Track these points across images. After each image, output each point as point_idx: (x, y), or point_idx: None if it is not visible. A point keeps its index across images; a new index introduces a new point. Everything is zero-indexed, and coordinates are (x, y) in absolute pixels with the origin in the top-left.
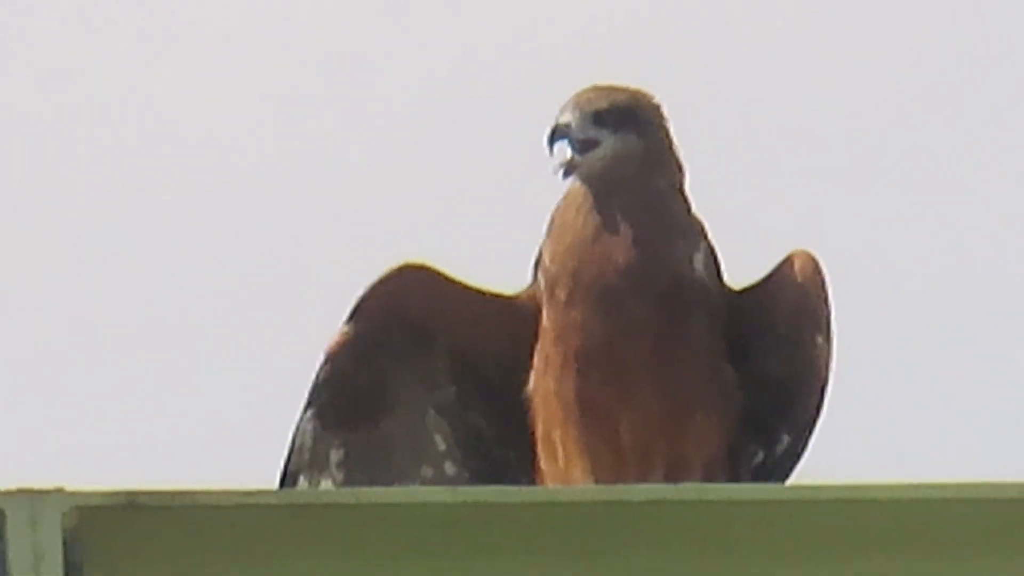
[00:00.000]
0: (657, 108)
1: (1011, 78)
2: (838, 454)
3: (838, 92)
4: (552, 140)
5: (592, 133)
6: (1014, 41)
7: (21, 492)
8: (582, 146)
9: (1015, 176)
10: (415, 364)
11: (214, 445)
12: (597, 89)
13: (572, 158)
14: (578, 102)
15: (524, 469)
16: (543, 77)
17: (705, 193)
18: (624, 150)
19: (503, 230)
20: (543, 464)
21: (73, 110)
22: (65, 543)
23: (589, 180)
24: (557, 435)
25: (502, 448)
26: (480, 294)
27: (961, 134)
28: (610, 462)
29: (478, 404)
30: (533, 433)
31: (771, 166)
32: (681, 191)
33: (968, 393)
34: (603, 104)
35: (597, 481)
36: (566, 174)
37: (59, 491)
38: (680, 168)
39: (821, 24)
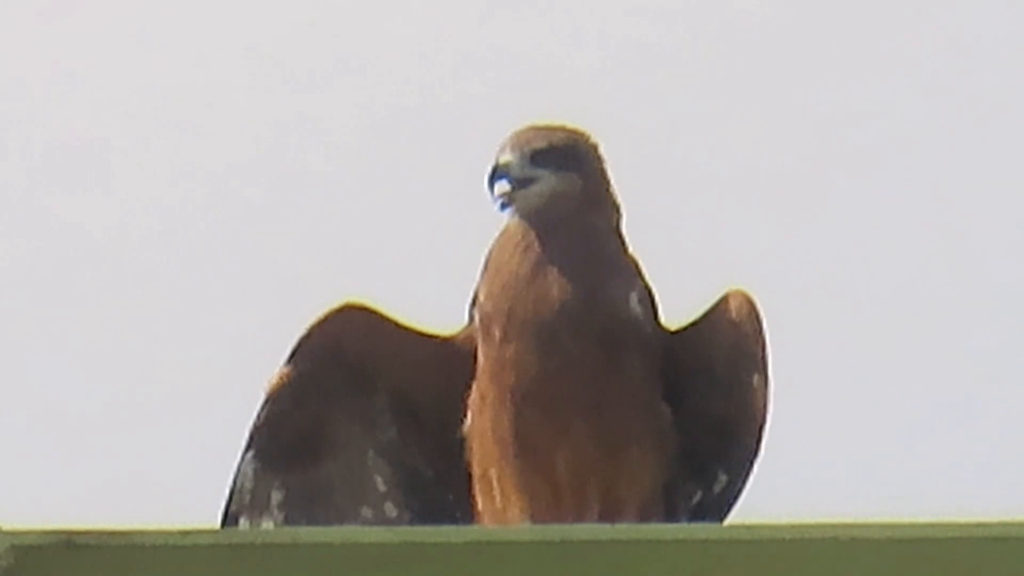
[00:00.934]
0: (594, 148)
1: (940, 108)
2: (776, 493)
3: (769, 128)
4: (492, 180)
5: (531, 172)
6: (948, 75)
7: None
8: (521, 184)
9: (951, 208)
10: (355, 405)
11: (154, 486)
12: (535, 129)
13: (511, 191)
14: (517, 141)
15: (464, 509)
16: (481, 115)
17: (641, 232)
18: (562, 188)
19: (442, 269)
20: (480, 503)
21: None
22: None
23: (526, 217)
24: (493, 473)
25: (442, 489)
26: (419, 335)
27: (897, 166)
28: (546, 500)
29: (418, 445)
30: (471, 473)
31: (706, 204)
32: (617, 231)
33: (907, 431)
34: (542, 144)
35: (534, 519)
36: (503, 206)
37: None
38: (617, 208)
39: (752, 60)
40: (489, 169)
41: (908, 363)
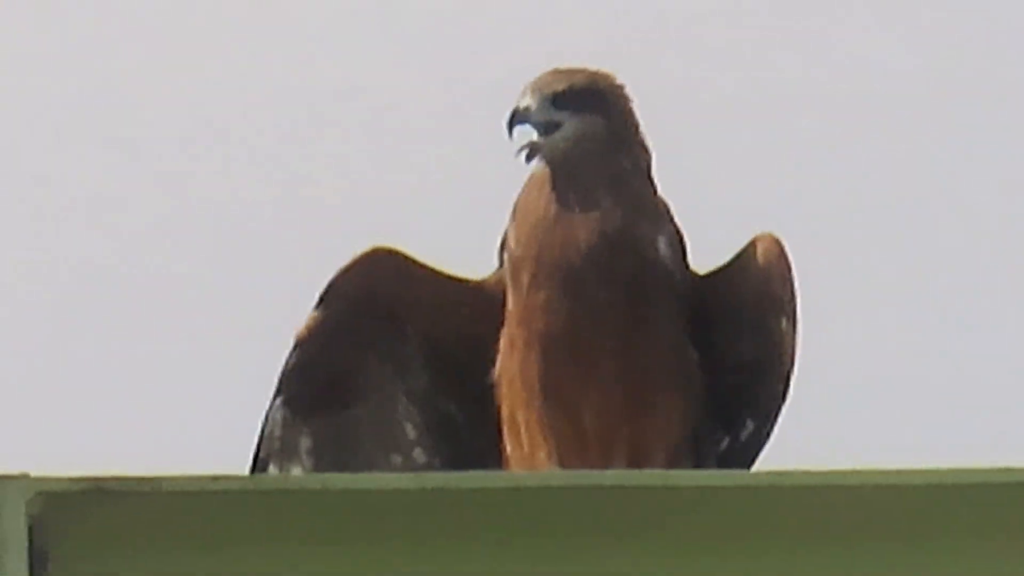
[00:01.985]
0: (619, 88)
1: (974, 75)
2: (804, 440)
3: (804, 76)
4: (512, 124)
5: (553, 115)
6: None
7: None
8: (544, 129)
9: (982, 167)
10: (385, 351)
11: (184, 432)
12: (556, 72)
13: (535, 140)
14: (537, 85)
15: (494, 455)
16: (509, 64)
17: (672, 176)
18: (587, 131)
19: (471, 214)
20: (508, 448)
21: None
22: (30, 529)
23: (552, 162)
24: (521, 418)
25: (473, 434)
26: (449, 279)
27: (929, 124)
28: (573, 445)
29: (448, 390)
30: (500, 418)
31: (738, 149)
32: (646, 173)
33: (935, 379)
34: (562, 86)
35: (561, 464)
36: (529, 157)
37: (24, 477)
38: (645, 149)
39: (789, 10)
40: (508, 114)
41: (938, 313)
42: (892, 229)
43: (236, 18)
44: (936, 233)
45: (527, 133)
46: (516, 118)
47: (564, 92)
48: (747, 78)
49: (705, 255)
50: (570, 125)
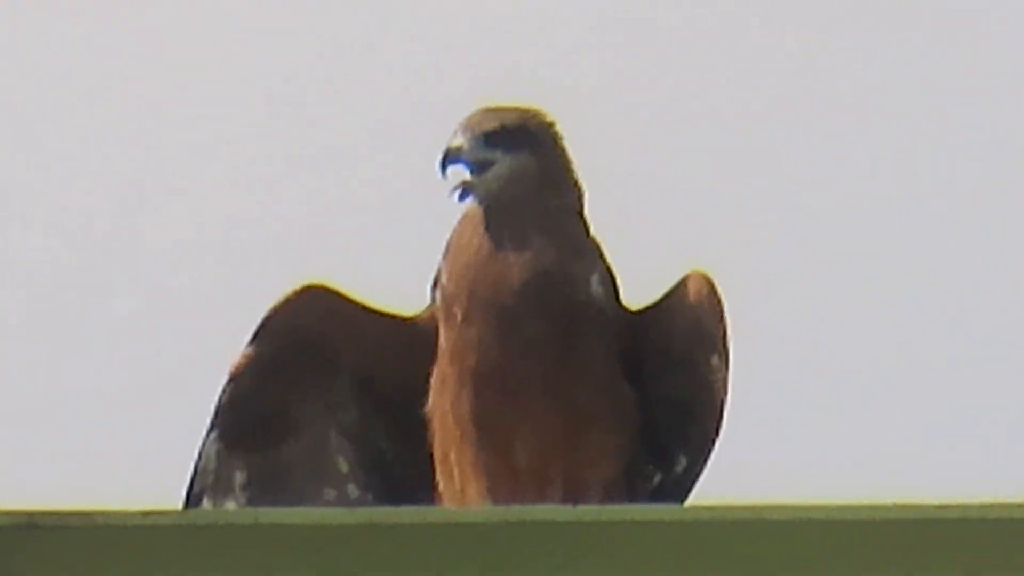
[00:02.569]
0: (551, 126)
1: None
2: (736, 475)
3: (732, 105)
4: (445, 163)
5: (485, 154)
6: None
7: None
8: (476, 167)
9: (913, 184)
10: (318, 385)
11: (117, 467)
12: (487, 111)
13: (467, 179)
14: (469, 124)
15: (427, 490)
16: (443, 98)
17: (603, 212)
18: (519, 169)
19: (403, 250)
20: (440, 484)
21: None
22: None
23: (485, 201)
24: (453, 454)
25: (405, 470)
26: (381, 315)
27: (858, 146)
28: (506, 482)
29: (380, 425)
30: (433, 454)
31: (669, 185)
32: (578, 210)
33: (866, 412)
34: (494, 125)
35: (493, 501)
36: (462, 196)
37: None
38: (577, 187)
39: (714, 34)
40: (441, 153)
41: (870, 344)
42: (825, 264)
43: (160, 50)
44: (873, 265)
45: (459, 171)
46: (448, 157)
47: (496, 131)
48: (679, 113)
49: (638, 289)
50: (502, 164)
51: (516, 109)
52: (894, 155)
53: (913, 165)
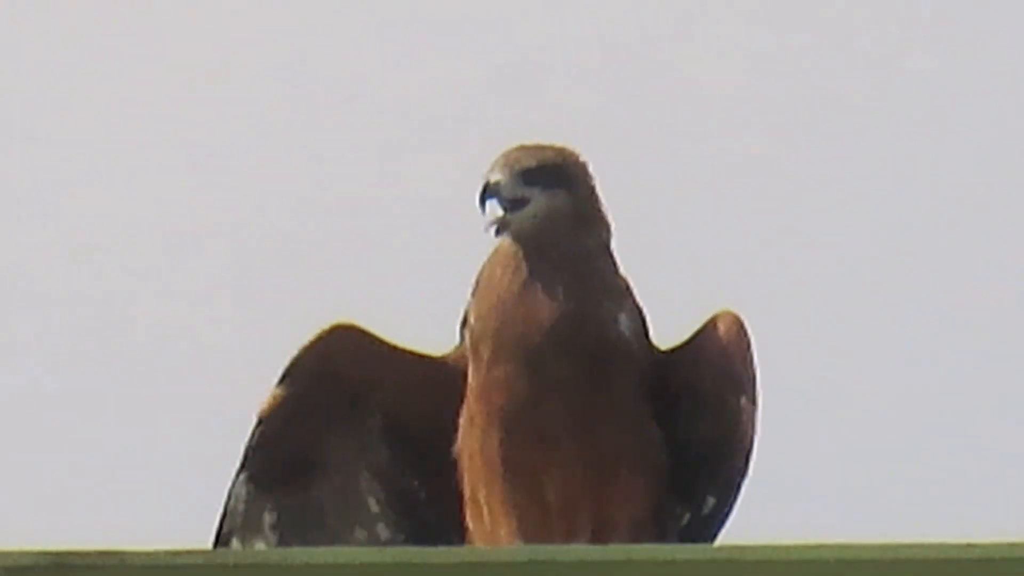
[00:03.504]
0: (583, 166)
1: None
2: (764, 515)
3: (763, 146)
4: (483, 199)
5: (522, 192)
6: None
7: None
8: (512, 205)
9: (946, 227)
10: (347, 426)
11: (147, 507)
12: (524, 148)
13: (503, 216)
14: (507, 161)
15: (458, 531)
16: (473, 134)
17: (633, 252)
18: (553, 208)
19: (433, 290)
20: (470, 524)
21: None
22: None
23: (518, 238)
24: (482, 495)
25: (435, 510)
26: (410, 355)
27: (891, 197)
28: (536, 522)
29: (410, 466)
30: (462, 494)
31: (699, 224)
32: (608, 250)
33: (895, 454)
34: (532, 163)
35: (523, 540)
36: (498, 232)
37: None
38: (607, 226)
39: (749, 83)
40: (480, 188)
41: (899, 384)
42: (855, 304)
43: (168, 83)
44: (905, 306)
45: (498, 211)
46: (487, 192)
47: (533, 169)
48: (710, 153)
49: (668, 328)
50: (538, 202)
51: (552, 148)
52: (927, 196)
53: (947, 207)
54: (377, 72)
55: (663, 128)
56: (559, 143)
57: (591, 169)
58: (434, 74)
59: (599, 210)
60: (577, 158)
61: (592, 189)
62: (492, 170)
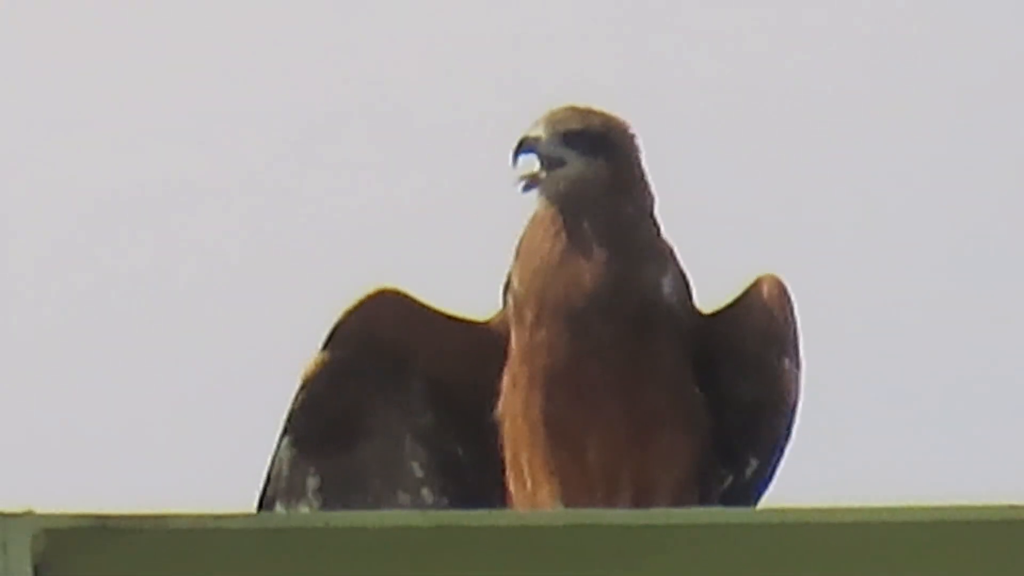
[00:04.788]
0: (630, 137)
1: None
2: (807, 477)
3: (807, 115)
4: (518, 152)
5: (559, 152)
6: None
7: None
8: (548, 163)
9: (981, 202)
10: (391, 390)
11: (190, 471)
12: (572, 109)
13: (537, 172)
14: (551, 119)
15: (500, 494)
16: (519, 101)
17: (677, 218)
18: (589, 174)
19: (477, 254)
20: (512, 487)
21: None
22: (35, 567)
23: (553, 200)
24: (524, 457)
25: (479, 473)
26: (453, 320)
27: (931, 160)
28: (577, 484)
29: (454, 430)
30: (504, 457)
31: (742, 188)
32: (650, 216)
33: (939, 415)
34: (575, 125)
35: (564, 504)
36: (527, 187)
37: (29, 514)
38: (649, 193)
39: (792, 56)
40: (516, 141)
41: (941, 349)
42: (896, 266)
43: (226, 54)
44: (943, 270)
45: (530, 161)
46: (523, 146)
47: (576, 132)
48: (754, 118)
49: (712, 292)
50: (574, 165)
51: (601, 115)
52: (965, 160)
53: (984, 171)
54: (417, 35)
55: (704, 92)
56: (608, 111)
57: (638, 141)
58: (476, 36)
59: (640, 181)
60: (624, 128)
61: (635, 161)
62: (534, 125)
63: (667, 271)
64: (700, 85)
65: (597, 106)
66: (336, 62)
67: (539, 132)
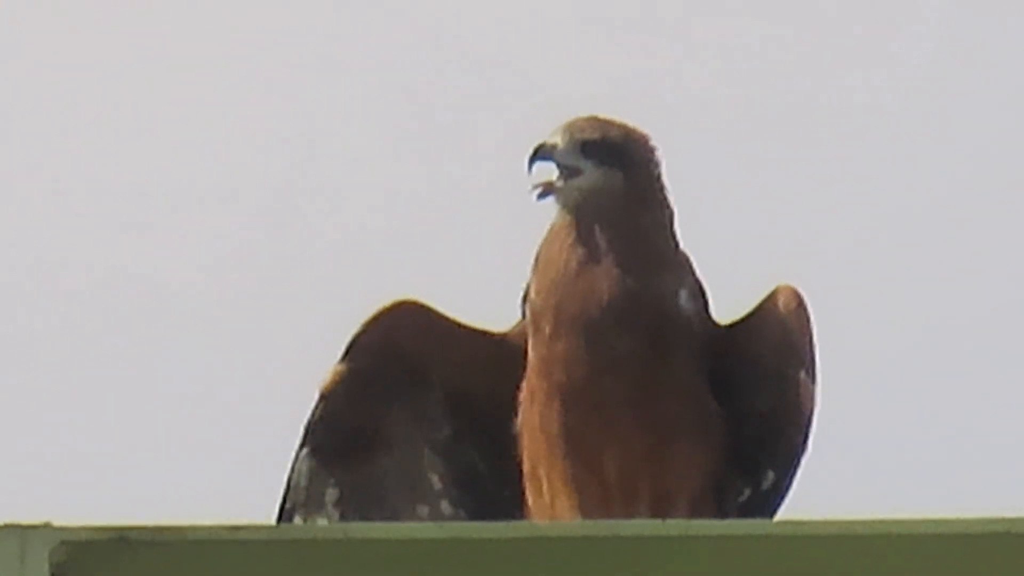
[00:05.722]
0: (650, 149)
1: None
2: (825, 489)
3: (824, 125)
4: (533, 158)
5: (576, 161)
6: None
7: (8, 527)
8: (565, 172)
9: (1002, 210)
10: (410, 402)
11: (209, 483)
12: (592, 119)
13: (553, 181)
14: (569, 127)
15: (519, 506)
16: (539, 116)
17: (694, 229)
18: (605, 184)
19: (495, 266)
20: (530, 499)
21: None
22: None
23: (570, 210)
24: (542, 469)
25: (498, 485)
26: (472, 331)
27: (950, 170)
28: (595, 496)
29: (473, 442)
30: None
31: (758, 200)
32: (668, 228)
33: (957, 428)
34: (594, 135)
35: (583, 515)
36: (542, 195)
37: (47, 526)
38: (667, 205)
39: (810, 66)
40: (532, 148)
41: (958, 360)
42: (913, 277)
43: (245, 59)
44: (963, 282)
45: (546, 170)
46: (539, 153)
47: (594, 141)
48: (770, 128)
49: (728, 305)
50: (590, 175)
51: (620, 126)
52: (985, 169)
53: (1007, 178)
54: (433, 42)
55: (721, 102)
56: (630, 122)
57: (657, 155)
58: (493, 42)
59: (659, 193)
60: (644, 140)
61: (654, 173)
62: (553, 133)
63: (684, 283)
64: (716, 95)
65: (617, 117)
66: (361, 72)
67: (556, 140)
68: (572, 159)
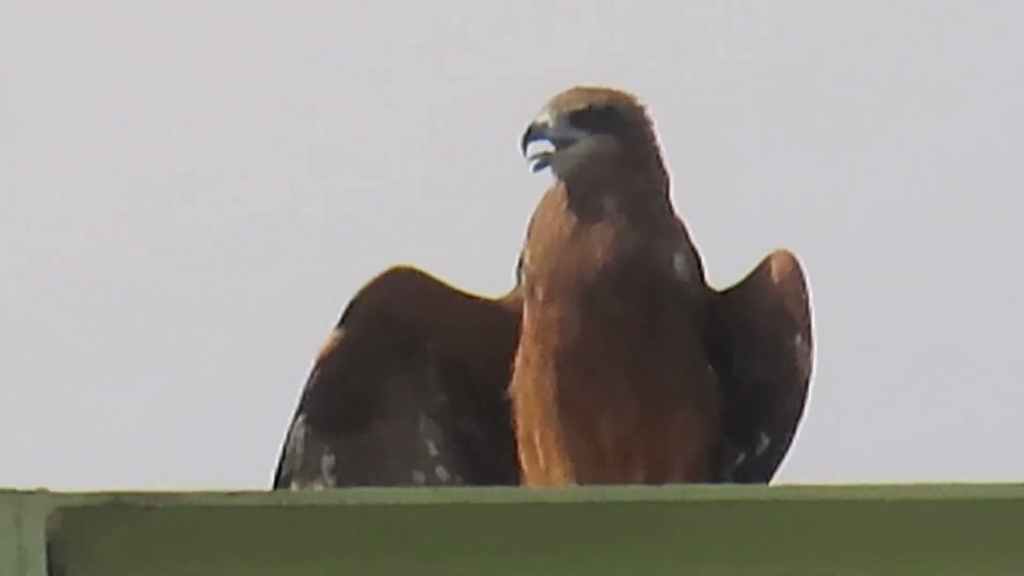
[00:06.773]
0: (640, 110)
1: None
2: (820, 455)
3: (819, 90)
4: (527, 140)
5: (569, 133)
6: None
7: (4, 493)
8: (559, 145)
9: (998, 186)
10: (406, 369)
11: (204, 449)
12: (577, 91)
13: (547, 151)
14: (556, 103)
15: (515, 472)
16: (529, 81)
17: (690, 194)
18: (600, 150)
19: (491, 232)
20: (524, 465)
21: None
22: (49, 544)
23: (565, 178)
24: (537, 435)
25: (494, 452)
26: (468, 298)
27: (945, 133)
28: (590, 462)
29: (469, 409)
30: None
31: (754, 165)
32: (663, 193)
33: (951, 393)
34: (581, 105)
35: (577, 481)
36: (539, 166)
37: (43, 492)
38: (663, 170)
39: (805, 26)
40: (525, 129)
41: (954, 325)
42: (909, 244)
43: (250, 34)
44: (956, 247)
45: (541, 147)
46: (532, 134)
47: (582, 111)
48: (764, 96)
49: (723, 271)
50: (584, 144)
51: (607, 91)
52: (982, 143)
53: (1002, 154)
54: (430, 18)
55: (716, 70)
56: (616, 87)
57: (649, 115)
58: (488, 11)
59: (653, 155)
60: (632, 102)
61: (647, 135)
62: (541, 112)
63: (679, 248)
64: (711, 64)
65: (604, 85)
66: (350, 43)
67: (546, 118)
68: (565, 132)
